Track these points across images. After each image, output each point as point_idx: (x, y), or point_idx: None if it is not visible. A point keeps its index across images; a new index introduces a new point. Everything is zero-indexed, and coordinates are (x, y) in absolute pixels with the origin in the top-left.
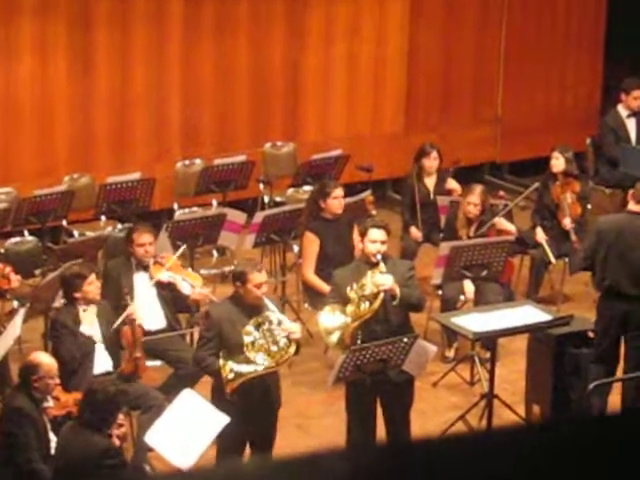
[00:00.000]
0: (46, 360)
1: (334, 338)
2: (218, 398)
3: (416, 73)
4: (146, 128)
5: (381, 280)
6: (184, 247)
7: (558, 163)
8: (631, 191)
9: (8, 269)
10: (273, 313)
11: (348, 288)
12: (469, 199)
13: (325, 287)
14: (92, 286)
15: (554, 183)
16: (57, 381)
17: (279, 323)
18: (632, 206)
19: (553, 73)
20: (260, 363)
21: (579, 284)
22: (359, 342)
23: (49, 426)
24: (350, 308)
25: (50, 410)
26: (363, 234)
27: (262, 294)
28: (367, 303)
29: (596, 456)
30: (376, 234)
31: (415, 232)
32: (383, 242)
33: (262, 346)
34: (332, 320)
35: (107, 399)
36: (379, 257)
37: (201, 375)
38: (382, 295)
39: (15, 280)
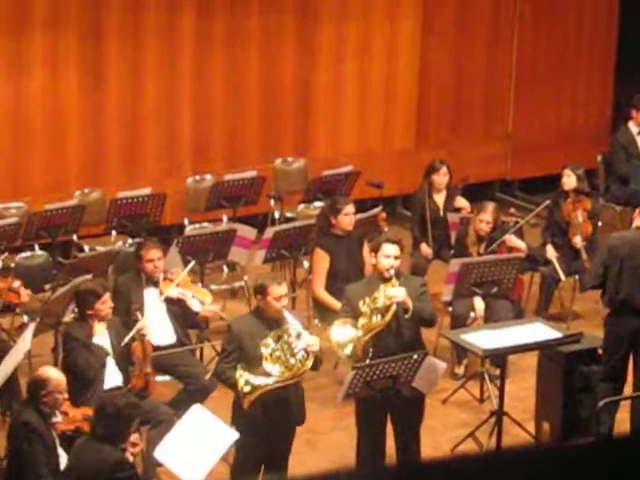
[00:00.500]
0: (55, 375)
1: (347, 351)
2: (238, 412)
3: (427, 90)
4: (157, 143)
5: (394, 292)
6: (193, 263)
7: (570, 181)
8: (638, 209)
9: (17, 283)
10: (292, 326)
11: (360, 302)
12: (481, 217)
13: (335, 303)
14: (105, 305)
15: (565, 201)
16: (66, 396)
17: (298, 336)
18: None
19: (564, 90)
20: (277, 375)
21: (589, 302)
22: (371, 355)
23: (58, 441)
24: (362, 321)
25: (59, 425)
26: (376, 249)
27: (282, 307)
28: (379, 316)
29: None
30: (390, 249)
31: (425, 249)
32: (396, 257)
33: (279, 358)
34: (343, 333)
35: (117, 412)
36: (392, 272)
37: (211, 390)
38: (394, 307)
39: (24, 294)
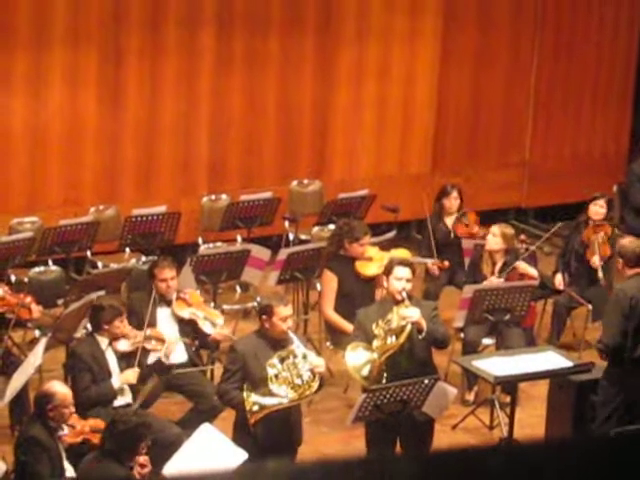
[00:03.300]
0: (61, 389)
1: (364, 372)
2: (240, 433)
3: (445, 115)
4: (173, 161)
5: (408, 313)
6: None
7: (601, 212)
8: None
9: (29, 299)
10: (298, 347)
11: (373, 325)
12: (490, 229)
13: (345, 324)
14: (122, 324)
15: (587, 226)
16: (72, 409)
17: (304, 357)
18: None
19: (582, 119)
20: (283, 396)
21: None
22: (386, 377)
23: (64, 455)
24: (376, 343)
25: (66, 438)
26: (388, 272)
27: (287, 328)
28: (393, 337)
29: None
30: (402, 272)
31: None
32: (408, 280)
33: (286, 379)
34: (357, 357)
35: (128, 430)
36: (404, 295)
37: (220, 410)
38: (409, 328)
39: (36, 311)
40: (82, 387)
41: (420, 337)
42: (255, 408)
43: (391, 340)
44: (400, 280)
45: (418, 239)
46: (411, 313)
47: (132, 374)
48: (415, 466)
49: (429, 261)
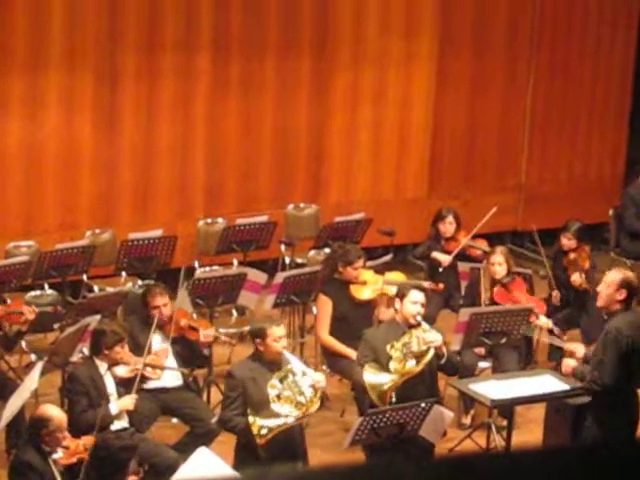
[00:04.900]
0: (57, 414)
1: (381, 390)
2: (241, 457)
3: (441, 138)
4: (169, 185)
5: (432, 337)
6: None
7: (568, 243)
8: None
9: (17, 303)
10: (296, 366)
11: (388, 346)
12: (492, 260)
13: (341, 347)
14: (123, 350)
15: (564, 255)
16: (66, 434)
17: (303, 374)
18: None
19: (577, 143)
20: (288, 415)
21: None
22: (395, 400)
23: (60, 477)
24: (395, 365)
25: (60, 460)
26: (402, 296)
27: (282, 348)
28: (414, 360)
29: None
30: (417, 296)
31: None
32: (422, 304)
33: (289, 398)
34: (377, 377)
35: (110, 455)
36: (419, 318)
37: (217, 434)
38: (432, 352)
39: (29, 311)
40: (79, 411)
41: (441, 362)
42: (263, 431)
43: (411, 363)
44: (415, 304)
45: (415, 263)
46: (435, 337)
47: (130, 401)
48: (419, 471)
49: (424, 284)
